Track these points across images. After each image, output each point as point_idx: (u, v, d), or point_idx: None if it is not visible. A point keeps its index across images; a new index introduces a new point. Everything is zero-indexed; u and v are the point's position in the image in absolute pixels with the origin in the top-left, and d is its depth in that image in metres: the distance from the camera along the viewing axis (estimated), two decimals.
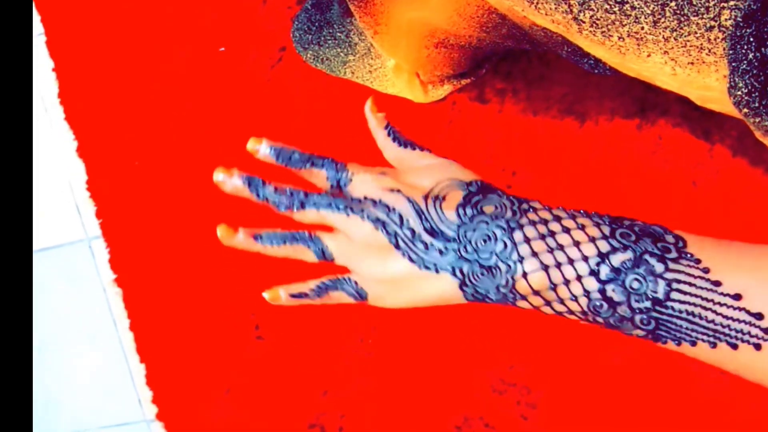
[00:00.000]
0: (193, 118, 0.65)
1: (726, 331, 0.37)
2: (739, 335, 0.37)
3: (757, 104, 0.37)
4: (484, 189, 0.44)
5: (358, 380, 0.62)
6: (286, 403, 0.62)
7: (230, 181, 0.45)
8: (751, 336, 0.37)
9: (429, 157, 0.47)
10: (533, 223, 0.42)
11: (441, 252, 0.43)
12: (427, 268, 0.43)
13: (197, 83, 0.65)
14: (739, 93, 0.37)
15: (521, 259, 0.41)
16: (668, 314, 0.38)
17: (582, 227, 0.41)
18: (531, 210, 0.42)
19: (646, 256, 0.39)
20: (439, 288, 0.44)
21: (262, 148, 0.46)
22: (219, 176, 0.45)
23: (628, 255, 0.39)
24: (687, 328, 0.38)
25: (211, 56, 0.65)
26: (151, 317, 0.65)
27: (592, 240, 0.40)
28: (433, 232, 0.43)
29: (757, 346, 0.37)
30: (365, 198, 0.44)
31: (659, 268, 0.39)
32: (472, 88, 0.62)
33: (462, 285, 0.43)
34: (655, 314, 0.39)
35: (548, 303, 0.41)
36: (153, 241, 0.66)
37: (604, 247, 0.40)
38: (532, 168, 0.61)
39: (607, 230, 0.40)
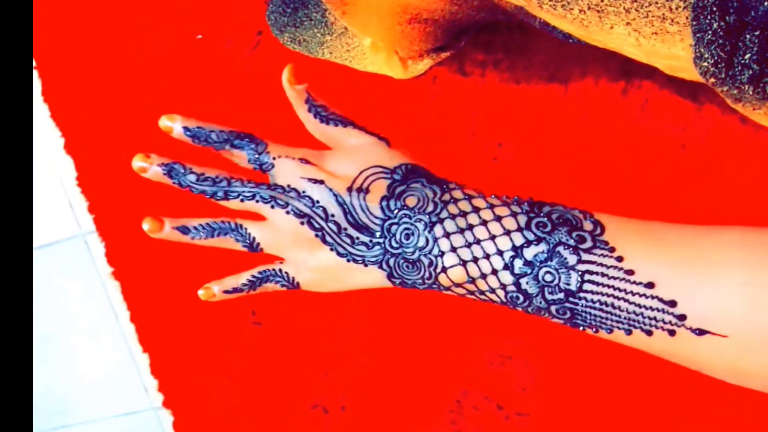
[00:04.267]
0: (175, 107, 0.64)
1: (640, 319, 0.37)
2: (653, 323, 0.37)
3: (723, 75, 0.36)
4: (408, 175, 0.44)
5: (358, 360, 0.63)
6: (288, 386, 0.64)
7: (150, 169, 0.45)
8: (665, 323, 0.37)
9: (355, 135, 0.46)
10: (453, 217, 0.42)
11: (367, 246, 0.43)
12: (355, 261, 0.44)
13: (177, 72, 0.64)
14: (705, 64, 0.36)
15: (441, 254, 0.41)
16: (582, 305, 0.39)
17: (499, 219, 0.41)
18: (452, 202, 0.42)
19: (560, 248, 0.39)
20: (369, 279, 0.45)
21: (176, 127, 0.46)
22: (137, 163, 0.45)
23: (542, 248, 0.39)
24: (602, 317, 0.39)
25: (188, 44, 0.64)
26: (151, 308, 0.66)
27: (508, 233, 0.40)
28: (358, 226, 0.43)
29: (671, 333, 0.37)
30: (289, 186, 0.44)
31: (572, 259, 0.39)
32: (452, 62, 0.61)
33: (390, 276, 0.44)
34: (569, 305, 0.39)
35: (471, 293, 0.42)
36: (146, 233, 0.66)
37: (518, 240, 0.40)
38: (517, 138, 0.60)
39: (523, 221, 0.40)
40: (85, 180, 0.67)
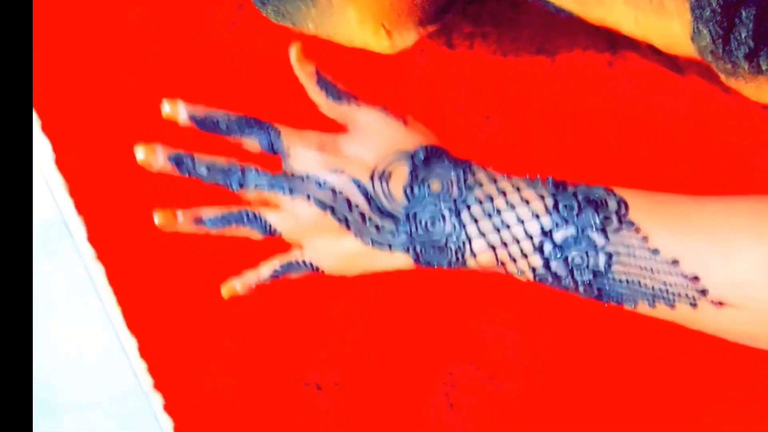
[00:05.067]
0: (156, 86, 0.63)
1: (664, 294, 0.39)
2: (676, 297, 0.39)
3: (720, 51, 0.37)
4: (430, 157, 0.44)
5: (349, 336, 0.63)
6: (280, 364, 0.63)
7: (155, 162, 0.44)
8: (688, 297, 0.39)
9: (370, 113, 0.46)
10: (480, 202, 0.42)
11: (393, 234, 0.43)
12: (381, 247, 0.44)
13: (156, 51, 0.63)
14: (703, 41, 0.37)
15: (469, 240, 0.42)
16: (610, 284, 0.40)
17: (526, 202, 0.42)
18: (477, 186, 0.43)
19: (588, 231, 0.40)
20: (395, 263, 0.45)
21: (181, 115, 0.44)
22: (141, 155, 0.43)
23: (571, 231, 0.41)
24: (627, 294, 0.40)
25: (165, 19, 0.62)
26: (136, 290, 0.65)
27: (536, 217, 0.41)
28: (382, 214, 0.43)
29: (694, 305, 0.39)
30: (307, 177, 0.43)
31: (600, 241, 0.40)
32: (439, 34, 0.61)
33: (416, 261, 0.44)
34: (597, 285, 0.40)
35: (498, 272, 0.43)
36: (129, 213, 0.65)
37: (547, 224, 0.41)
38: (505, 111, 0.60)
39: (550, 203, 0.41)
40: (63, 162, 0.65)
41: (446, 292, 0.62)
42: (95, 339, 0.65)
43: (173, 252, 0.63)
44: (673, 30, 0.39)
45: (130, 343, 0.64)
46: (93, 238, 0.65)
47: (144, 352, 0.65)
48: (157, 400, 0.64)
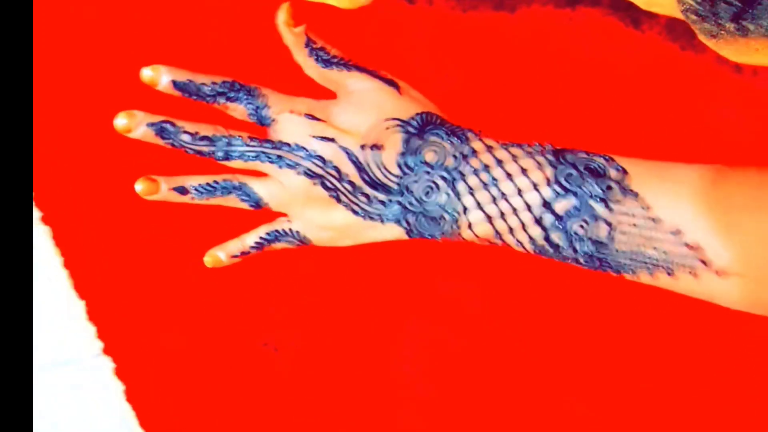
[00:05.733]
0: (151, 57, 0.61)
1: (665, 264, 0.39)
2: (677, 266, 0.39)
3: (706, 12, 0.37)
4: (424, 126, 0.43)
5: (308, 296, 0.62)
6: (237, 325, 0.62)
7: (137, 129, 0.42)
8: (690, 266, 0.39)
9: (361, 79, 0.44)
10: (476, 171, 0.42)
11: (384, 204, 0.42)
12: (372, 219, 0.43)
13: (149, 23, 0.60)
14: (689, 1, 0.37)
15: (465, 210, 0.41)
16: (611, 254, 0.40)
17: (525, 171, 0.41)
18: (473, 154, 0.42)
19: (590, 201, 0.40)
20: (386, 234, 0.44)
21: (162, 80, 0.42)
22: (121, 121, 0.41)
23: (572, 201, 0.40)
24: (628, 264, 0.40)
25: None
26: (85, 252, 0.63)
27: (536, 187, 0.40)
28: (374, 184, 0.42)
29: (695, 275, 0.39)
30: (296, 145, 0.42)
31: (602, 212, 0.40)
32: None
33: (408, 232, 0.43)
34: (598, 255, 0.40)
35: (494, 243, 0.42)
36: (78, 176, 0.63)
37: (547, 194, 0.40)
38: (466, 67, 0.60)
39: (550, 173, 0.41)
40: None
41: (430, 260, 0.61)
42: (44, 302, 0.62)
43: (124, 209, 0.61)
44: None
45: (79, 307, 0.62)
46: (39, 201, 0.63)
47: (93, 316, 0.62)
48: (107, 364, 0.62)
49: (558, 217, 0.39)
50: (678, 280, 0.39)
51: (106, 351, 0.62)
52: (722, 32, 0.37)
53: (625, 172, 0.40)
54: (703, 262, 0.38)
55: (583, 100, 0.58)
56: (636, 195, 0.39)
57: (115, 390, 0.62)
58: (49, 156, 0.62)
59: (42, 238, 0.62)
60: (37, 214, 0.62)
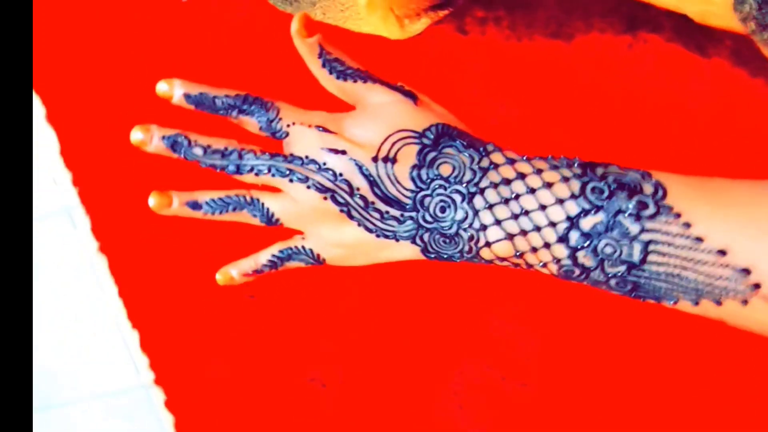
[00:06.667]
0: (169, 74, 0.62)
1: (710, 289, 0.34)
2: (724, 292, 0.34)
3: (766, 19, 0.34)
4: (440, 138, 0.40)
5: (355, 333, 0.61)
6: (284, 360, 0.61)
7: (151, 143, 0.41)
8: (738, 292, 0.34)
9: (377, 91, 0.42)
10: (495, 186, 0.38)
11: (398, 220, 0.39)
12: (386, 236, 0.40)
13: (161, 38, 0.62)
14: (747, 8, 0.34)
15: (483, 228, 0.38)
16: (646, 277, 0.35)
17: (549, 185, 0.37)
18: (492, 168, 0.38)
19: (620, 217, 0.35)
20: (401, 254, 0.41)
21: (176, 93, 0.41)
22: (136, 135, 0.41)
23: (600, 217, 0.36)
24: (667, 288, 0.36)
25: (173, 8, 0.61)
26: (139, 283, 0.63)
27: (560, 202, 0.36)
28: (387, 199, 0.39)
29: (744, 302, 0.34)
30: (307, 158, 0.40)
31: (635, 229, 0.35)
32: (451, 20, 0.59)
33: (424, 251, 0.40)
34: (631, 278, 0.36)
35: (517, 265, 0.39)
36: (133, 206, 0.64)
37: (572, 209, 0.36)
38: (521, 97, 0.58)
39: (576, 186, 0.37)
40: (68, 153, 0.64)
41: (457, 287, 0.59)
42: (97, 331, 0.63)
43: (178, 245, 0.62)
44: None
45: (132, 337, 0.63)
46: (96, 230, 0.64)
47: (146, 347, 0.63)
48: (159, 395, 0.62)
49: (585, 235, 0.36)
50: (723, 308, 0.35)
51: (158, 381, 0.63)
52: None
53: (661, 187, 0.36)
54: (754, 287, 0.33)
55: (645, 129, 0.55)
56: (673, 211, 0.35)
57: (166, 421, 0.62)
58: (103, 187, 0.64)
59: (102, 268, 0.63)
60: (93, 244, 0.64)
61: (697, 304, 0.35)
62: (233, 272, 0.45)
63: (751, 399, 0.55)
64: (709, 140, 0.55)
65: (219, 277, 0.45)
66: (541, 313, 0.59)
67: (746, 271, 0.34)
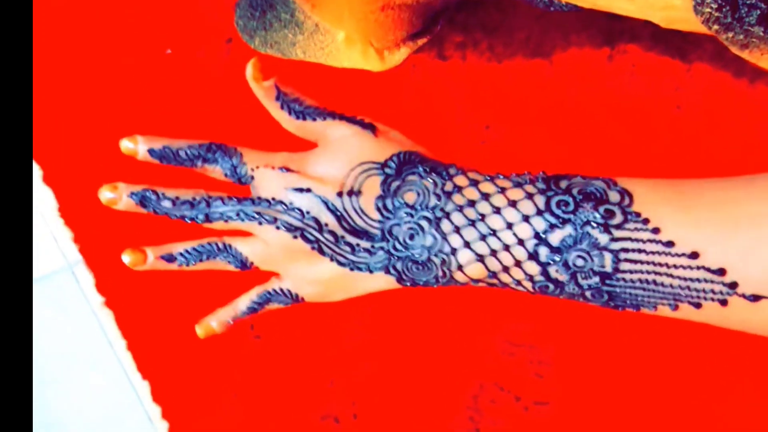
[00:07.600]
0: (151, 126, 0.62)
1: (686, 292, 0.34)
2: (701, 294, 0.34)
3: (729, 19, 0.33)
4: (402, 166, 0.40)
5: (364, 364, 0.61)
6: (295, 398, 0.61)
7: (120, 201, 0.42)
8: (715, 293, 0.33)
9: (336, 126, 0.43)
10: (460, 209, 0.38)
11: (369, 252, 0.40)
12: (359, 269, 0.41)
13: (149, 91, 0.63)
14: (708, 10, 0.34)
15: (454, 251, 0.38)
16: (620, 286, 0.35)
17: (513, 204, 0.37)
18: (456, 191, 0.39)
19: (588, 228, 0.35)
20: (377, 285, 0.42)
21: (140, 149, 0.42)
22: (105, 195, 0.42)
23: (568, 230, 0.36)
24: (643, 296, 0.35)
25: (158, 60, 0.62)
26: (146, 334, 0.64)
27: (526, 219, 0.37)
28: (356, 232, 0.40)
29: (723, 302, 0.33)
30: (274, 199, 0.41)
31: (603, 239, 0.35)
32: (430, 47, 0.59)
33: (399, 280, 0.41)
34: (606, 288, 0.35)
35: (493, 285, 0.39)
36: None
37: (539, 225, 0.36)
38: (505, 118, 0.58)
39: (541, 202, 0.37)
40: (66, 210, 0.65)
41: (460, 314, 0.59)
42: (107, 386, 0.63)
43: (180, 293, 0.62)
44: (672, 3, 0.36)
45: (143, 388, 0.63)
46: (101, 286, 0.65)
47: (157, 397, 0.63)
48: None
49: (554, 250, 0.35)
50: (703, 311, 0.34)
51: (173, 431, 0.63)
52: (753, 40, 0.33)
53: (627, 193, 0.36)
54: (731, 286, 0.33)
55: (630, 142, 0.55)
56: (641, 216, 0.35)
57: None
58: (107, 245, 0.64)
59: (109, 323, 0.64)
60: (98, 299, 0.64)
61: (676, 309, 0.35)
62: (213, 324, 0.46)
63: (752, 400, 0.54)
64: (696, 145, 0.55)
65: (199, 330, 0.46)
66: (559, 332, 0.58)
67: (721, 271, 0.33)
